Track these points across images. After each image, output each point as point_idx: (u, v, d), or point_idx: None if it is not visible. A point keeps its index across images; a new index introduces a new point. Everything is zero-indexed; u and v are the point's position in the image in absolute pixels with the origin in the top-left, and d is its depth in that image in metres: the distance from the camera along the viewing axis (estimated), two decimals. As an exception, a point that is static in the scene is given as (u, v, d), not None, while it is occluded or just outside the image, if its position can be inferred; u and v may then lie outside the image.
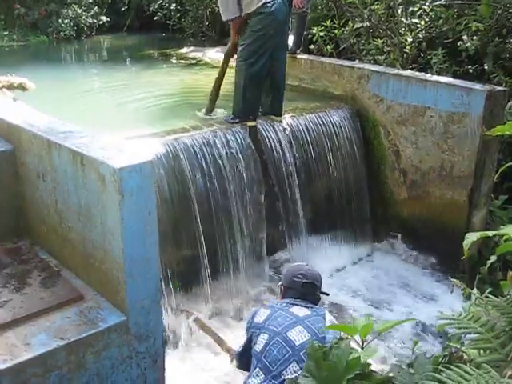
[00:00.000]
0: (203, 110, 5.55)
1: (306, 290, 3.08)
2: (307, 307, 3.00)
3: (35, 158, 3.47)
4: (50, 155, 3.25)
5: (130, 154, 2.83)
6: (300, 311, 2.96)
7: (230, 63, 5.49)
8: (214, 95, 5.53)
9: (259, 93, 5.23)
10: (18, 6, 12.44)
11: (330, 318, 2.99)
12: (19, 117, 3.83)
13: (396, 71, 6.05)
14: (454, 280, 2.04)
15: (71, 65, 10.06)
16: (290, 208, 5.49)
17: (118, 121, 5.26)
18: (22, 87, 4.94)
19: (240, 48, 5.11)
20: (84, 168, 2.91)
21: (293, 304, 3.01)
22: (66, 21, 11.95)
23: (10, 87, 4.91)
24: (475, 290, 1.91)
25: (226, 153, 4.89)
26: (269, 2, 4.91)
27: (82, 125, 3.70)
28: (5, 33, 12.11)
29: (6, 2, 12.85)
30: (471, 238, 1.68)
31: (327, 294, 3.29)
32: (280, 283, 3.26)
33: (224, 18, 5.12)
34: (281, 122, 5.42)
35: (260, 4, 4.91)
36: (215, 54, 8.91)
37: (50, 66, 8.81)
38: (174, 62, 8.92)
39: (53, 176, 3.29)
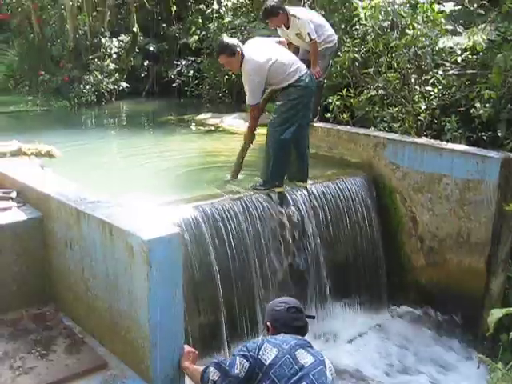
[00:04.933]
0: (228, 176, 5.72)
1: (292, 315, 3.05)
2: (307, 350, 2.94)
3: (63, 227, 3.57)
4: (78, 224, 3.35)
5: (159, 225, 2.92)
6: (304, 357, 2.89)
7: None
8: (239, 164, 5.69)
9: (288, 159, 5.40)
10: (43, 73, 12.88)
11: (329, 366, 2.95)
12: (48, 185, 3.96)
13: (411, 139, 6.18)
14: (481, 356, 2.07)
15: (92, 130, 10.30)
16: (313, 273, 5.54)
17: (140, 188, 5.38)
18: (49, 154, 5.10)
19: (275, 115, 5.31)
20: (113, 238, 3.00)
21: (297, 346, 2.92)
22: (87, 86, 12.30)
23: (38, 154, 5.07)
24: (500, 364, 1.93)
25: (247, 219, 4.99)
26: (302, 76, 5.23)
27: (104, 192, 3.83)
28: (29, 98, 12.50)
29: (32, 69, 13.33)
30: (496, 314, 1.72)
31: (313, 318, 3.26)
32: (264, 321, 3.18)
33: (248, 102, 5.31)
34: (306, 187, 5.55)
35: (295, 78, 5.20)
36: (233, 121, 9.12)
37: (71, 131, 9.04)
38: (193, 128, 9.11)
39: (81, 245, 3.39)
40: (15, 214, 3.93)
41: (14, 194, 4.14)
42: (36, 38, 14.30)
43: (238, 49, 5.16)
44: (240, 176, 5.71)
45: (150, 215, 3.22)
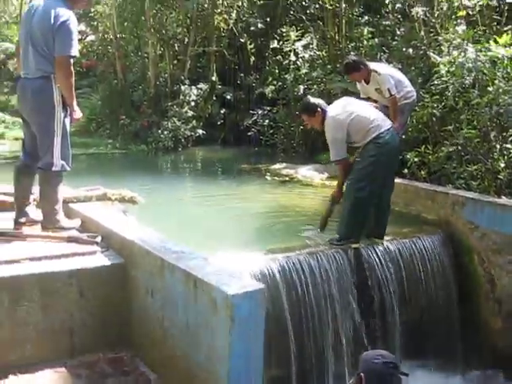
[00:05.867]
0: (310, 231, 5.71)
1: (389, 370, 2.93)
2: None
3: (146, 274, 3.66)
4: (161, 273, 3.43)
5: (243, 279, 2.96)
6: None
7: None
8: (325, 219, 5.66)
9: (365, 217, 5.36)
10: (124, 117, 13.40)
11: None
12: (131, 232, 4.09)
13: (491, 199, 6.05)
14: None
15: (168, 176, 10.56)
16: (386, 331, 5.45)
17: (217, 238, 5.47)
18: (132, 201, 5.29)
19: (353, 171, 5.34)
20: (196, 290, 3.06)
21: None
22: (165, 132, 12.69)
23: (122, 200, 5.27)
24: None
25: (322, 274, 4.98)
26: (382, 133, 5.23)
27: (184, 240, 3.92)
28: (109, 141, 13.02)
29: (114, 113, 13.90)
30: None
31: (407, 375, 3.16)
32: (357, 372, 3.03)
33: (332, 159, 5.39)
34: (382, 244, 5.51)
35: (375, 135, 5.22)
36: (307, 172, 9.17)
37: (149, 176, 9.31)
38: (268, 178, 9.17)
39: (162, 293, 3.46)
40: (99, 259, 4.07)
41: (98, 239, 4.28)
42: (119, 84, 14.94)
43: (319, 108, 5.35)
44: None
45: (233, 268, 3.28)
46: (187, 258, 3.35)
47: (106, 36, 16.70)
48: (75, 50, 4.40)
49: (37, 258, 4.03)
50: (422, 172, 7.50)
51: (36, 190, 4.74)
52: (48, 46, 4.36)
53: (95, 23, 16.97)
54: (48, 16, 4.33)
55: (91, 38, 17.50)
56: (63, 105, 4.47)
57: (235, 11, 14.69)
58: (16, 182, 4.73)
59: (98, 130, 14.12)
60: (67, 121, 4.55)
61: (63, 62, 4.36)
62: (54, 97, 4.42)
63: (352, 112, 5.30)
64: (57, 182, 4.54)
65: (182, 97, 13.52)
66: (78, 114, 4.65)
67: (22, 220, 4.68)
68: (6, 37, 21.71)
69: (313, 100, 5.53)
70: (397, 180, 6.74)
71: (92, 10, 15.87)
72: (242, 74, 14.79)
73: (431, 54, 8.70)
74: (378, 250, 5.46)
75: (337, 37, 12.54)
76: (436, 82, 7.93)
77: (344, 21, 12.34)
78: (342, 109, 5.36)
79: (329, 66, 12.11)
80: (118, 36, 15.45)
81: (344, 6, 12.23)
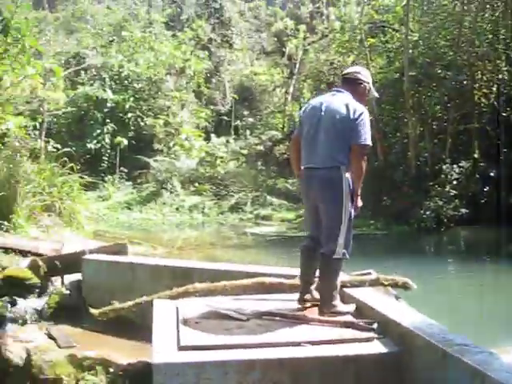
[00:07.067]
0: None
1: None
2: None
3: (425, 366, 3.59)
4: (443, 366, 3.35)
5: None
6: None
7: None
8: None
9: None
10: (385, 198, 13.65)
11: None
12: (408, 319, 4.07)
13: None
14: None
15: (432, 257, 10.41)
16: None
17: (491, 329, 5.26)
18: (404, 286, 5.29)
19: None
20: (485, 388, 2.95)
21: None
22: (427, 212, 12.62)
23: (394, 285, 5.31)
24: None
25: None
26: None
27: (453, 328, 3.81)
28: (371, 221, 13.28)
29: (375, 194, 14.21)
30: None
31: None
32: None
33: None
34: None
35: None
36: None
37: (415, 259, 9.24)
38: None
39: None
40: (376, 346, 4.10)
41: (375, 326, 4.35)
42: (380, 165, 15.26)
43: None
44: None
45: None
46: (472, 352, 3.24)
47: (365, 119, 17.26)
48: (369, 141, 4.63)
49: (315, 341, 4.18)
50: None
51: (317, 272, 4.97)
52: (344, 136, 4.60)
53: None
54: (345, 109, 4.59)
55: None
56: (350, 194, 4.70)
57: (496, 85, 14.30)
58: (301, 263, 5.01)
59: (360, 211, 14.44)
60: (353, 210, 4.76)
61: (359, 151, 4.58)
62: (343, 187, 4.66)
63: None
64: (337, 268, 4.72)
65: (443, 176, 13.40)
66: (360, 202, 4.85)
67: (307, 297, 4.92)
68: (272, 125, 23.55)
69: None
70: None
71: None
72: (505, 150, 14.18)
73: None
74: None
75: None
76: None
77: None
78: None
79: None
80: (378, 117, 15.93)
81: None
